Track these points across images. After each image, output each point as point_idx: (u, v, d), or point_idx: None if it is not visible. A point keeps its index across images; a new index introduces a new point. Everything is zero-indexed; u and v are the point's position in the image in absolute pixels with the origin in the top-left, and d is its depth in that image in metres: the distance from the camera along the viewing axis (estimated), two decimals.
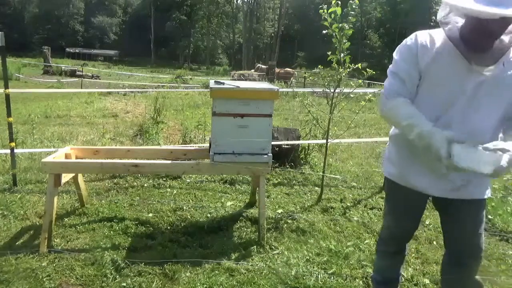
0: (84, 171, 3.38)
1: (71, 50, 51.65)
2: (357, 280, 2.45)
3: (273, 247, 2.81)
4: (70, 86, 16.08)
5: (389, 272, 2.13)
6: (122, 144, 5.67)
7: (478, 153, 1.48)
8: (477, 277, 1.83)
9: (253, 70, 24.35)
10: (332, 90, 3.69)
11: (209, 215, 3.33)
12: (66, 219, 3.12)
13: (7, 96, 3.82)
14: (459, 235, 1.82)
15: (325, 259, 2.65)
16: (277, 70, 22.82)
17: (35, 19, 54.94)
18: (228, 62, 59.89)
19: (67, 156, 3.05)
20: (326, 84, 3.74)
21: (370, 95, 3.87)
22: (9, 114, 3.86)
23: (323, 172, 3.93)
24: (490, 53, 1.54)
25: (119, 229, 2.97)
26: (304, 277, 2.41)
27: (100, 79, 20.88)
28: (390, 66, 1.75)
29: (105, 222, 3.07)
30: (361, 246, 2.88)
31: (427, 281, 2.49)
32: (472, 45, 1.55)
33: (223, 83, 2.84)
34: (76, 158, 3.16)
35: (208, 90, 2.79)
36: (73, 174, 3.14)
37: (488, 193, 1.76)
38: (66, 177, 2.94)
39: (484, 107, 1.59)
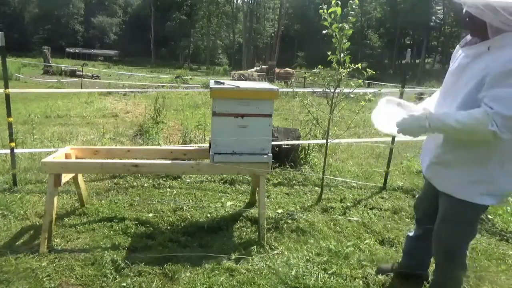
0: (84, 171, 3.38)
1: (71, 50, 51.68)
2: (357, 280, 2.45)
3: (273, 247, 2.81)
4: (70, 86, 16.07)
5: (412, 257, 2.37)
6: (122, 144, 5.67)
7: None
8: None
9: (253, 69, 24.36)
10: (332, 90, 3.68)
11: (209, 215, 3.33)
12: (66, 219, 3.12)
13: (7, 96, 3.82)
14: (435, 227, 2.04)
15: (325, 259, 2.65)
16: (277, 70, 22.83)
17: (35, 19, 54.94)
18: (228, 62, 59.88)
19: (67, 156, 3.05)
20: (326, 84, 3.74)
21: (370, 95, 3.86)
22: (9, 114, 3.86)
23: (323, 172, 3.93)
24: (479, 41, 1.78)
25: (119, 229, 2.97)
26: (304, 277, 2.41)
27: (100, 79, 20.88)
28: None
29: (105, 222, 3.07)
30: (361, 246, 2.88)
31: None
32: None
33: (223, 83, 2.84)
34: (76, 158, 3.15)
35: (208, 90, 2.79)
36: (73, 174, 3.14)
37: (471, 196, 1.81)
38: (66, 177, 2.94)
39: (470, 83, 1.74)
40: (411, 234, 2.42)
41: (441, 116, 1.73)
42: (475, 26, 1.73)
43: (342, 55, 3.52)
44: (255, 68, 25.59)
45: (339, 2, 3.33)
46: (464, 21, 1.77)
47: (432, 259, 2.39)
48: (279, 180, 4.36)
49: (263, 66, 25.03)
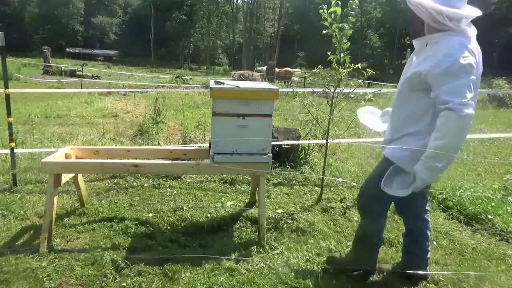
0: (84, 171, 3.38)
1: (71, 50, 51.68)
2: (357, 280, 2.44)
3: (273, 247, 2.81)
4: (70, 86, 16.07)
5: (410, 255, 2.45)
6: (122, 144, 5.67)
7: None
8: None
9: (258, 73, 24.36)
10: (332, 90, 3.68)
11: (209, 215, 3.33)
12: (66, 219, 3.12)
13: (7, 96, 3.83)
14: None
15: (325, 259, 2.64)
16: (277, 70, 22.81)
17: (35, 19, 55.00)
18: (228, 62, 59.88)
19: (67, 156, 3.05)
20: (326, 84, 3.74)
21: (370, 95, 3.87)
22: (9, 114, 3.86)
23: (323, 172, 3.92)
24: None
25: (119, 229, 2.97)
26: (304, 277, 2.41)
27: (100, 79, 20.88)
28: None
29: (105, 222, 3.07)
30: None
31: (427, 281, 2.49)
32: None
33: (223, 83, 2.84)
34: (76, 158, 3.16)
35: (208, 90, 2.78)
36: (73, 174, 3.14)
37: (393, 154, 2.17)
38: (66, 177, 2.94)
39: (408, 73, 2.12)
40: (404, 232, 2.54)
41: (431, 157, 1.94)
42: (415, 22, 2.10)
43: (342, 55, 3.52)
44: (260, 68, 25.50)
45: (339, 2, 3.33)
46: (409, 17, 2.18)
47: (429, 258, 2.45)
48: (279, 180, 4.35)
49: (258, 68, 25.06)
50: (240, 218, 3.28)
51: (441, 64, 1.91)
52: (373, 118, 2.63)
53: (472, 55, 1.95)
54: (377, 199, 2.27)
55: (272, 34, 57.60)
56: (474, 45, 2.00)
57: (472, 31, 2.05)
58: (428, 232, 2.41)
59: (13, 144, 3.91)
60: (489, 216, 3.48)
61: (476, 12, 2.04)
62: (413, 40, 2.19)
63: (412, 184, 2.06)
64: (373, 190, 2.25)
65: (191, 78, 22.30)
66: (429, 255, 2.43)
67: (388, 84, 15.02)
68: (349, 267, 2.42)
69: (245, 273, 2.44)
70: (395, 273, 2.46)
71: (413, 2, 2.02)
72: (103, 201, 3.52)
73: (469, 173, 5.25)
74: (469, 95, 1.87)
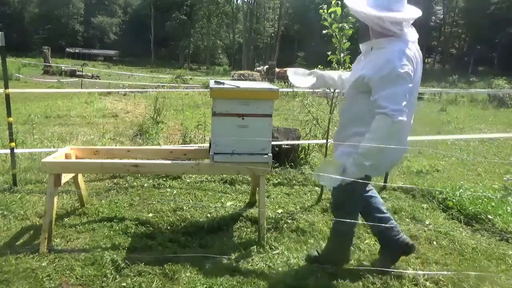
0: (84, 171, 3.38)
1: (71, 50, 51.68)
2: (357, 280, 2.45)
3: (273, 247, 2.81)
4: (70, 86, 16.07)
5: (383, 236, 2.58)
6: (122, 144, 5.67)
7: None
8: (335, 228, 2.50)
9: (255, 70, 24.37)
10: (332, 90, 3.68)
11: (209, 215, 3.33)
12: (66, 219, 3.12)
13: (7, 96, 3.83)
14: None
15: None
16: (277, 70, 22.80)
17: (35, 19, 55.01)
18: (228, 62, 59.89)
19: (67, 156, 3.05)
20: None
21: None
22: (9, 114, 3.86)
23: None
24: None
25: (119, 229, 2.97)
26: (304, 277, 2.41)
27: (100, 79, 20.88)
28: None
29: (105, 222, 3.07)
30: (361, 246, 2.88)
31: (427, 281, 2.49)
32: None
33: (223, 83, 2.84)
34: (76, 158, 3.15)
35: (208, 90, 2.79)
36: (73, 174, 3.14)
37: (340, 158, 2.29)
38: (66, 177, 2.94)
39: (356, 75, 2.23)
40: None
41: (361, 154, 2.08)
42: (361, 27, 2.22)
43: (342, 55, 3.52)
44: (260, 68, 25.48)
45: (339, 2, 3.32)
46: (358, 21, 2.23)
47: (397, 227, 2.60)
48: (279, 180, 4.36)
49: (258, 68, 25.06)
50: (240, 218, 3.28)
51: (382, 70, 2.01)
52: (300, 77, 2.79)
53: (411, 62, 2.03)
54: (349, 196, 2.34)
55: (272, 34, 57.62)
56: (413, 51, 2.08)
57: (413, 35, 2.14)
58: (373, 200, 2.55)
59: (13, 144, 3.91)
60: (489, 216, 3.48)
61: (416, 13, 2.10)
62: (359, 44, 2.27)
63: (340, 177, 2.17)
64: (345, 188, 2.31)
65: (191, 78, 22.30)
66: (394, 223, 2.55)
67: None
68: (325, 262, 2.49)
69: (245, 273, 2.44)
70: (385, 258, 2.54)
71: (356, 10, 2.12)
72: (103, 201, 3.52)
73: (469, 173, 5.25)
74: (404, 103, 1.99)
